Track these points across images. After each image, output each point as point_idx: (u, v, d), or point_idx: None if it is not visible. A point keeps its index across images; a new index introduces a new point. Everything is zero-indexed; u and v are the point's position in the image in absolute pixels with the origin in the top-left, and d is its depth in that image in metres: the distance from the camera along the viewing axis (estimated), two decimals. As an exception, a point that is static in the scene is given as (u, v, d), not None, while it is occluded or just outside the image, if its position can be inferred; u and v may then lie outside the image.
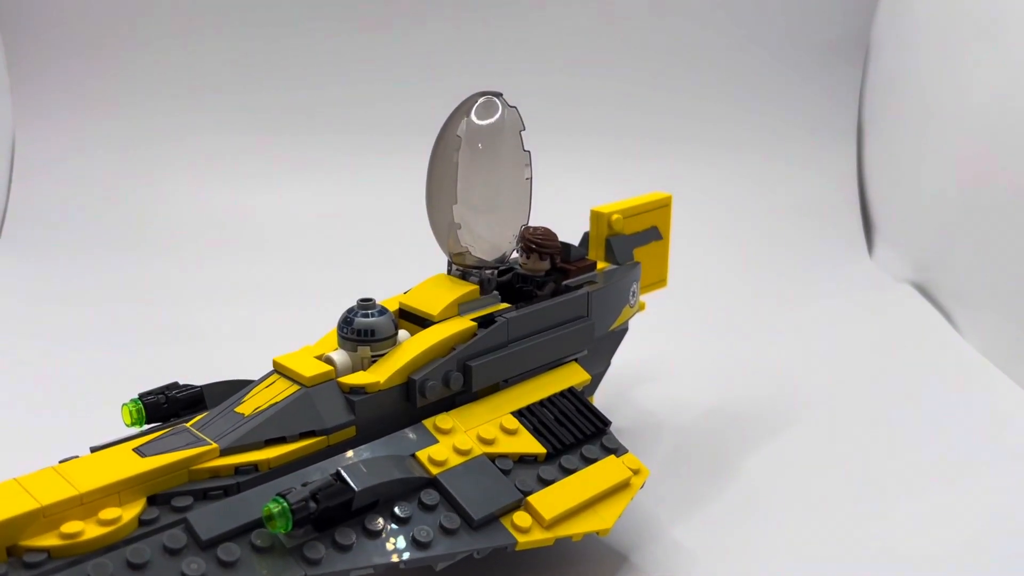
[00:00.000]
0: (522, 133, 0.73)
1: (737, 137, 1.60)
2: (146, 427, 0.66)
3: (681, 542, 0.74)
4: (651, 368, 1.05)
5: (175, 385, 0.69)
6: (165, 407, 0.67)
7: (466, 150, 0.72)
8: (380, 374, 0.65)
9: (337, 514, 0.58)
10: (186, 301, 1.27)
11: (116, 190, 1.52)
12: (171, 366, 0.94)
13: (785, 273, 1.41)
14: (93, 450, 0.62)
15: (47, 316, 1.21)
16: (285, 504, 0.54)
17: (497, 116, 0.72)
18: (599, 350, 0.83)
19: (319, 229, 1.50)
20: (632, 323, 0.89)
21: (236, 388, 0.70)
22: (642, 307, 0.91)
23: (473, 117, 0.73)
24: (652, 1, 1.56)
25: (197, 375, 0.74)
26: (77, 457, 0.60)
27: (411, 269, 0.87)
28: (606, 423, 0.73)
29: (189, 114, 1.56)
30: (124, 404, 0.66)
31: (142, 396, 0.67)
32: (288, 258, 1.43)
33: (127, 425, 0.67)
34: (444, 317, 0.71)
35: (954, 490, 0.83)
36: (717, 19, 1.59)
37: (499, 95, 0.73)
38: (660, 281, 0.94)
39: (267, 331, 1.11)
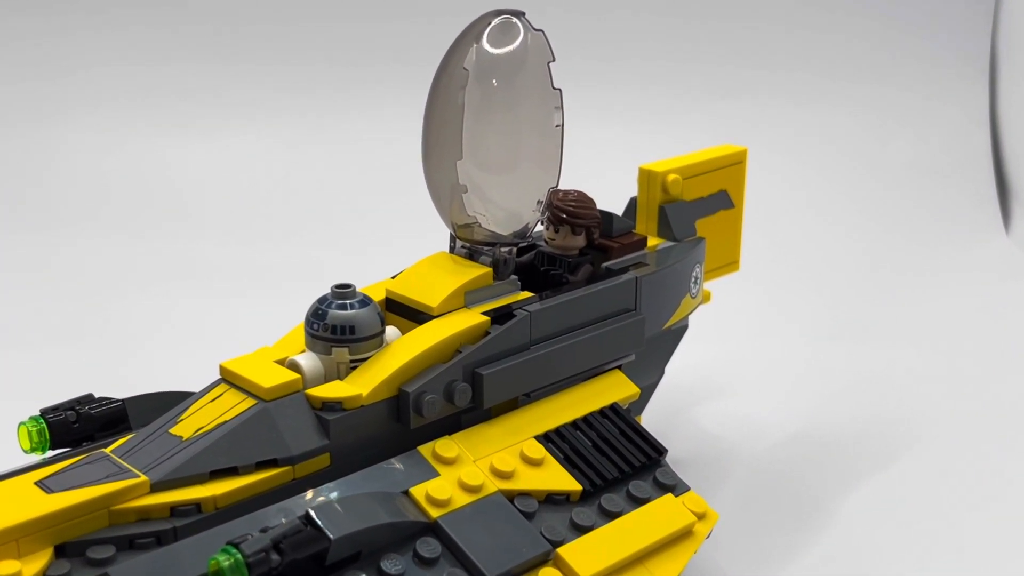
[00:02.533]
0: (551, 65, 0.73)
1: (828, 76, 1.61)
2: (51, 453, 0.66)
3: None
4: (717, 379, 1.06)
5: (89, 398, 0.69)
6: (76, 427, 0.67)
7: (476, 87, 0.72)
8: (362, 385, 0.65)
9: (308, 569, 0.57)
10: (100, 287, 1.27)
11: (54, 146, 1.52)
12: (83, 372, 0.94)
13: (893, 256, 1.41)
14: (-7, 479, 0.62)
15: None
16: (238, 556, 0.54)
17: (518, 42, 0.72)
18: (650, 354, 0.83)
19: (277, 193, 1.50)
20: (693, 319, 0.89)
21: (170, 402, 0.70)
22: (707, 298, 0.90)
23: (485, 44, 0.72)
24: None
25: (117, 385, 0.75)
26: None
27: (402, 246, 0.87)
28: (661, 451, 0.73)
29: (97, 36, 1.55)
30: (21, 423, 0.67)
31: (44, 413, 0.67)
32: (235, 231, 1.43)
33: (25, 451, 0.67)
34: (446, 310, 0.71)
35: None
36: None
37: (521, 14, 0.73)
38: (731, 263, 0.94)
39: (210, 327, 1.11)
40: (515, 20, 0.72)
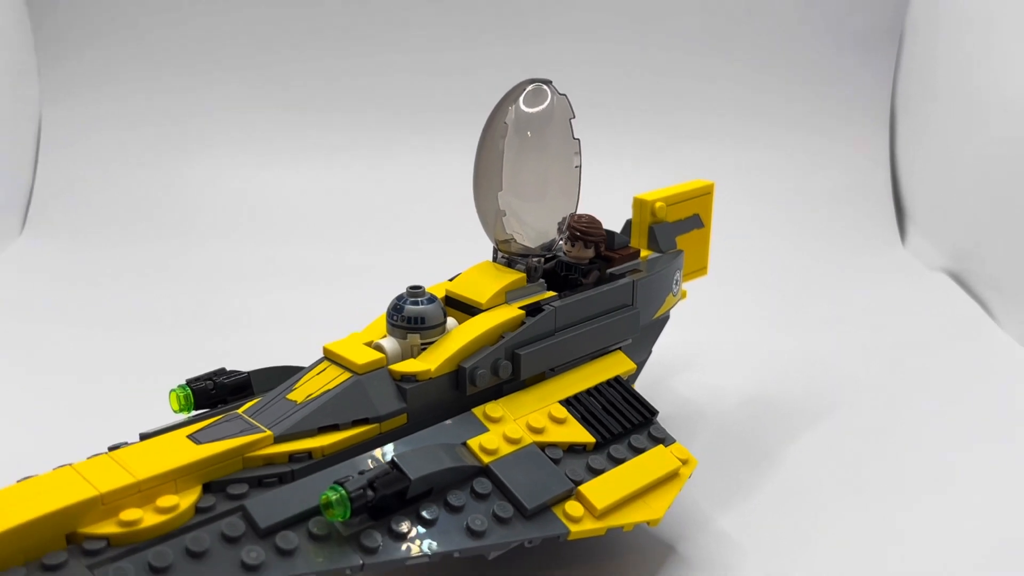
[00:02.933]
0: (571, 121, 0.73)
1: (772, 125, 1.60)
2: (193, 413, 0.67)
3: (728, 532, 0.74)
4: (690, 358, 1.05)
5: (222, 371, 0.69)
6: (213, 393, 0.68)
7: (514, 137, 0.72)
8: (431, 362, 0.66)
9: (392, 503, 0.58)
10: (227, 286, 1.27)
11: (144, 172, 1.52)
12: (213, 352, 0.94)
13: (818, 262, 1.41)
14: (143, 436, 0.63)
15: (78, 300, 1.21)
16: (343, 492, 0.55)
17: (546, 104, 0.72)
18: (642, 339, 0.83)
19: (363, 213, 1.50)
20: (673, 312, 0.89)
21: (283, 374, 0.70)
22: (684, 295, 0.91)
23: (522, 104, 0.72)
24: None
25: (241, 361, 0.75)
26: (127, 444, 0.61)
27: (456, 256, 0.87)
28: (653, 412, 0.73)
29: (220, 93, 1.56)
30: (172, 390, 0.67)
31: (190, 382, 0.68)
32: (331, 243, 1.43)
33: (175, 411, 0.67)
34: (492, 305, 0.71)
35: (997, 476, 0.83)
36: (754, 7, 1.58)
37: (548, 82, 0.73)
38: (701, 269, 0.94)
39: (311, 317, 1.11)
40: (545, 87, 0.72)
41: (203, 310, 1.19)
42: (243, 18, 1.54)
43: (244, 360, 0.76)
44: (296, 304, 1.19)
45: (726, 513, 0.77)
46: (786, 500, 0.79)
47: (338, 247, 1.41)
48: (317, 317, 1.00)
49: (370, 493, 0.56)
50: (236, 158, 1.54)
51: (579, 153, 0.74)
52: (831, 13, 1.58)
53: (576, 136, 0.73)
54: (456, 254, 0.87)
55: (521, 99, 0.72)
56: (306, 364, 0.68)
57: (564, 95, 0.72)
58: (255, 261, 1.35)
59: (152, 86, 1.54)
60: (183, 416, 0.67)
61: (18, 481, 0.55)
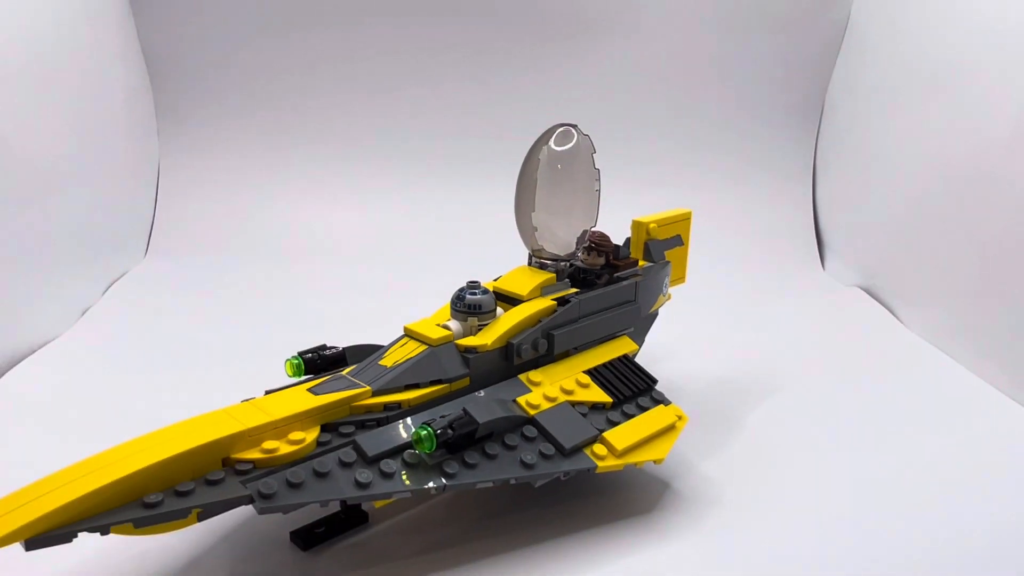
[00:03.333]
0: (593, 155, 0.74)
1: (724, 178, 1.61)
2: (303, 378, 0.67)
3: (709, 474, 0.75)
4: (671, 345, 1.05)
5: (323, 347, 0.70)
6: (317, 363, 0.68)
7: (546, 170, 0.73)
8: (487, 338, 0.66)
9: (463, 442, 0.59)
10: (307, 294, 1.27)
11: (240, 208, 1.53)
12: (317, 336, 0.93)
13: (761, 280, 1.41)
14: (268, 392, 0.63)
15: (190, 307, 1.21)
16: (431, 430, 0.55)
17: (573, 143, 0.73)
18: (640, 328, 0.84)
19: (427, 236, 1.50)
20: (662, 310, 0.90)
21: (368, 350, 0.71)
22: (669, 297, 0.91)
23: (552, 144, 0.74)
24: (652, 77, 1.58)
25: (338, 341, 0.75)
26: (255, 398, 0.61)
27: (501, 261, 0.87)
28: (654, 381, 0.74)
29: (299, 148, 1.56)
30: (288, 359, 0.67)
31: (300, 354, 0.68)
32: (386, 262, 1.42)
33: (289, 376, 0.67)
34: (531, 297, 0.72)
35: (909, 432, 0.84)
36: (703, 86, 1.60)
37: (575, 126, 0.74)
38: (680, 278, 0.94)
39: (385, 309, 1.07)
40: (572, 129, 0.74)
41: (289, 312, 1.18)
42: (312, 92, 1.55)
43: (340, 340, 0.76)
44: (358, 308, 1.19)
45: (707, 460, 0.77)
46: (751, 451, 0.80)
47: (409, 258, 1.42)
48: (374, 317, 1.00)
49: (450, 432, 0.56)
50: (308, 197, 1.55)
51: (599, 180, 0.75)
52: (769, 92, 1.60)
53: (596, 167, 0.74)
54: (501, 260, 0.87)
55: (552, 139, 0.74)
56: (384, 343, 0.69)
57: (587, 135, 0.73)
58: (327, 276, 1.35)
59: (246, 142, 1.55)
60: (295, 380, 0.67)
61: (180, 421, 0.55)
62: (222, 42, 1.50)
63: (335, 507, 0.64)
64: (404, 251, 1.45)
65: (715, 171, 1.61)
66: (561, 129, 0.74)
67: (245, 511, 0.64)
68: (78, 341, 1.06)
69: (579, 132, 0.73)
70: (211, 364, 0.99)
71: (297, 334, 1.01)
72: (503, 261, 0.84)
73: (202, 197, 1.53)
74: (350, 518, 0.63)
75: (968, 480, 0.75)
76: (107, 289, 1.27)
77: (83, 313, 1.16)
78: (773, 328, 1.17)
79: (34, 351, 1.01)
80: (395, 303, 1.05)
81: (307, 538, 0.61)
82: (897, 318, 1.22)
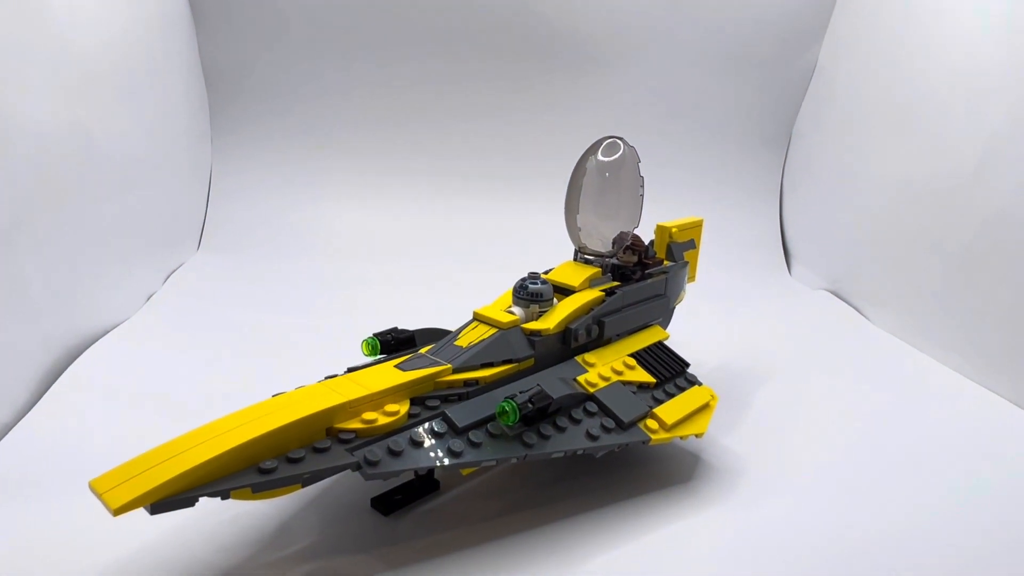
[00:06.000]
0: (638, 164, 0.71)
1: (698, 196, 1.59)
2: (379, 357, 0.64)
3: (731, 447, 0.73)
4: (681, 336, 1.01)
5: (396, 329, 0.67)
6: (391, 343, 0.65)
7: (594, 177, 0.71)
8: (549, 323, 0.64)
9: (538, 416, 0.56)
10: (353, 285, 1.22)
11: (287, 208, 1.48)
12: (391, 321, 0.89)
13: (741, 285, 1.39)
14: (350, 370, 0.60)
15: (240, 297, 1.16)
16: (514, 403, 0.53)
17: (619, 153, 0.71)
18: (664, 321, 0.82)
19: (489, 236, 1.45)
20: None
21: (436, 334, 0.68)
22: (686, 293, 0.89)
23: (600, 155, 0.71)
24: (642, 107, 1.56)
25: (409, 324, 0.72)
26: (338, 375, 0.58)
27: (551, 257, 0.84)
28: (687, 364, 0.72)
29: (342, 155, 1.51)
30: (364, 340, 0.64)
31: (376, 335, 0.65)
32: (470, 259, 1.38)
33: (365, 355, 0.64)
34: (581, 288, 0.70)
35: (882, 411, 0.83)
36: (686, 116, 1.59)
37: (621, 138, 0.72)
38: (692, 277, 0.92)
39: (458, 297, 1.01)
40: (618, 141, 0.72)
41: (326, 301, 1.14)
42: (354, 104, 1.50)
43: (410, 323, 0.72)
44: (391, 300, 1.15)
45: (728, 435, 0.75)
46: (763, 427, 0.78)
47: (471, 254, 1.37)
48: (462, 297, 0.95)
49: (530, 406, 0.53)
50: (353, 199, 1.50)
51: (642, 187, 0.72)
52: (743, 122, 1.59)
53: (641, 175, 0.72)
54: (551, 256, 0.84)
55: (600, 150, 0.71)
56: (452, 327, 0.66)
57: (632, 147, 0.71)
58: (370, 271, 1.31)
59: (293, 147, 1.50)
60: (371, 359, 0.64)
61: (273, 395, 0.52)
62: (272, 59, 1.45)
63: (409, 475, 0.61)
64: (430, 250, 1.42)
65: (693, 189, 1.60)
66: (608, 141, 0.72)
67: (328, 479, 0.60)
68: (146, 323, 1.01)
69: (625, 143, 0.71)
70: (265, 346, 0.95)
71: (332, 319, 0.98)
72: (518, 263, 0.81)
73: (249, 199, 1.48)
74: (424, 486, 0.60)
75: (943, 451, 0.74)
76: (167, 278, 1.21)
77: (148, 299, 1.11)
78: (759, 324, 1.15)
79: (107, 331, 0.96)
80: (428, 295, 1.01)
81: (388, 504, 0.58)
82: (864, 316, 1.20)
